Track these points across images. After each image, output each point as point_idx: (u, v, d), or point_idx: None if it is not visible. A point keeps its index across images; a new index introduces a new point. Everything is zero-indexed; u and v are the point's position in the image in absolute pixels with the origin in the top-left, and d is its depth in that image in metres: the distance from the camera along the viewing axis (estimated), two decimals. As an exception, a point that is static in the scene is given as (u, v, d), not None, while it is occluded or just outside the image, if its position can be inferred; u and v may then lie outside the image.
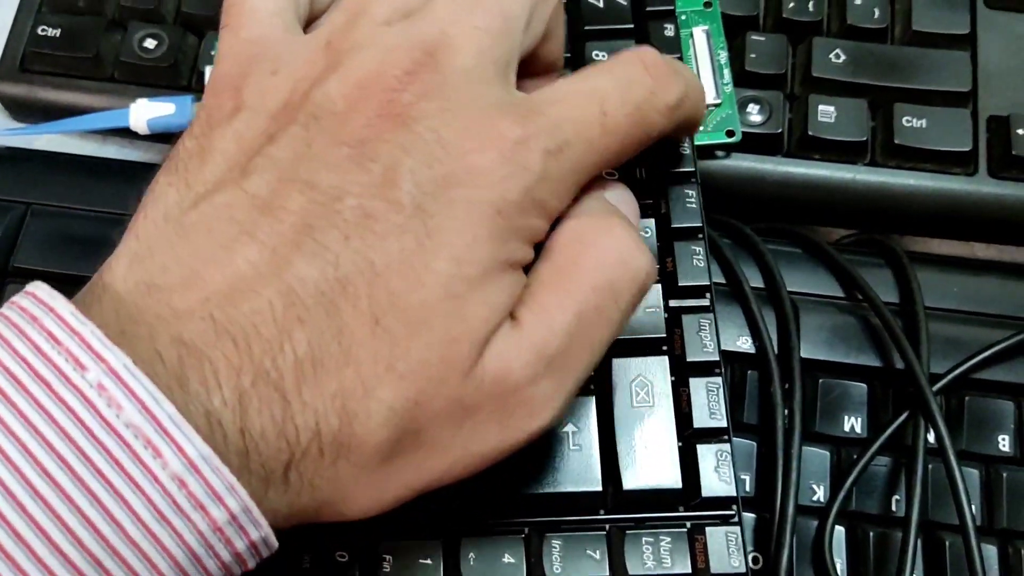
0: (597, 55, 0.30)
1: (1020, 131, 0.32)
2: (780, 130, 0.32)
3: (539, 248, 0.21)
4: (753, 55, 0.33)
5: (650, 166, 0.28)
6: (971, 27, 0.34)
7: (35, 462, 0.16)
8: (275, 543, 0.18)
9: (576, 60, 0.30)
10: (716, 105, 0.32)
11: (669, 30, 0.31)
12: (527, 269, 0.21)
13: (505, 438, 0.20)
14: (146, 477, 0.16)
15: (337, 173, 0.19)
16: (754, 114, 0.32)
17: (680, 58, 0.31)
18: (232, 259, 0.18)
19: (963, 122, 0.32)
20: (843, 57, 0.33)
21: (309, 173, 0.19)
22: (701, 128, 0.32)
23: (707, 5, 0.33)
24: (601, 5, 0.31)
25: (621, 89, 0.21)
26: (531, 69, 0.24)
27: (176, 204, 0.19)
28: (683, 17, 0.33)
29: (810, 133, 0.32)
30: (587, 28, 0.30)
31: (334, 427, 0.18)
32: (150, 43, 0.33)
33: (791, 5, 0.34)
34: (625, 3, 0.31)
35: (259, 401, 0.18)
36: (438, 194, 0.19)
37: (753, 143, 0.32)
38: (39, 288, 0.18)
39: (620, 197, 0.23)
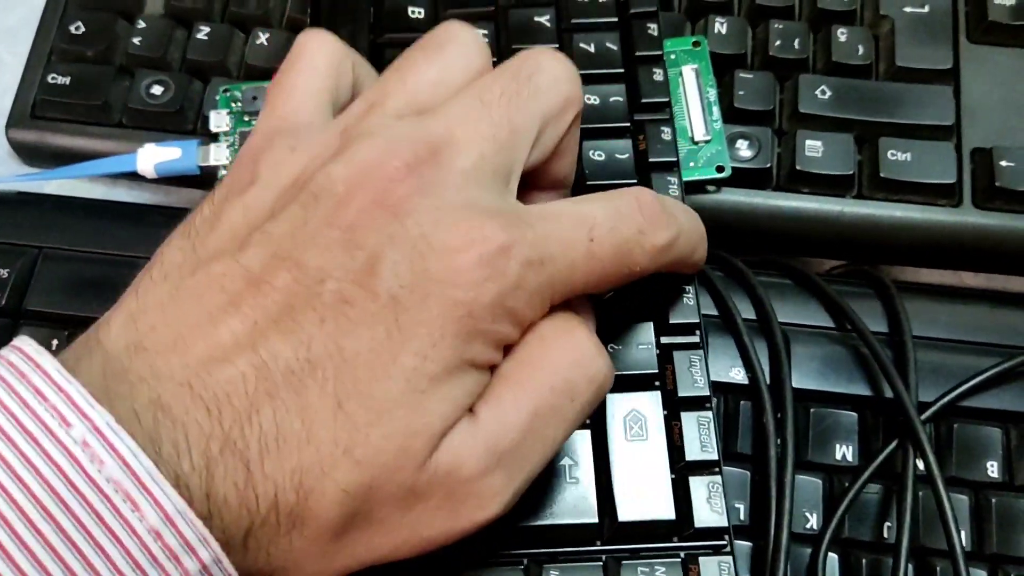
0: (588, 97, 0.31)
1: (1003, 163, 0.32)
2: (769, 165, 0.33)
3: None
4: (741, 92, 0.34)
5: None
6: (954, 61, 0.34)
7: (21, 513, 0.17)
8: None
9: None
10: (706, 141, 0.33)
11: (658, 75, 0.32)
12: (494, 369, 0.21)
13: (453, 526, 0.21)
14: (125, 529, 0.17)
15: (324, 255, 0.20)
16: (743, 149, 0.33)
17: (669, 101, 0.32)
18: (215, 327, 0.19)
19: (947, 155, 0.33)
20: (828, 93, 0.34)
21: (299, 252, 0.20)
22: (692, 164, 0.33)
23: (695, 44, 0.34)
24: (592, 50, 0.32)
25: (611, 220, 0.22)
26: (538, 183, 0.25)
27: (178, 267, 0.21)
28: (672, 56, 0.34)
29: (798, 168, 0.33)
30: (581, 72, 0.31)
31: (291, 501, 0.19)
32: (157, 89, 0.34)
33: (777, 43, 0.35)
34: (615, 48, 0.32)
35: (224, 469, 0.19)
36: (415, 288, 0.20)
37: (743, 178, 0.33)
38: (26, 344, 0.19)
39: (583, 308, 0.24)
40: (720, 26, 0.35)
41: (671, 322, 0.27)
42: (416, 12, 0.33)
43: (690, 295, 0.27)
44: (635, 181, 0.29)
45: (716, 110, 0.33)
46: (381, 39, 0.33)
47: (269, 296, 0.19)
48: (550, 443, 0.21)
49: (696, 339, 0.26)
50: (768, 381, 0.29)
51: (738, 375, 0.30)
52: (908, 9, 0.35)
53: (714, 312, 0.31)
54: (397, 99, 0.22)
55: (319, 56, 0.24)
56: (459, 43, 0.24)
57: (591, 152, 0.29)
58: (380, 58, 0.33)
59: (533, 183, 0.25)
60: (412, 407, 0.19)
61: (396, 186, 0.20)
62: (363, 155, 0.21)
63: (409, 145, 0.21)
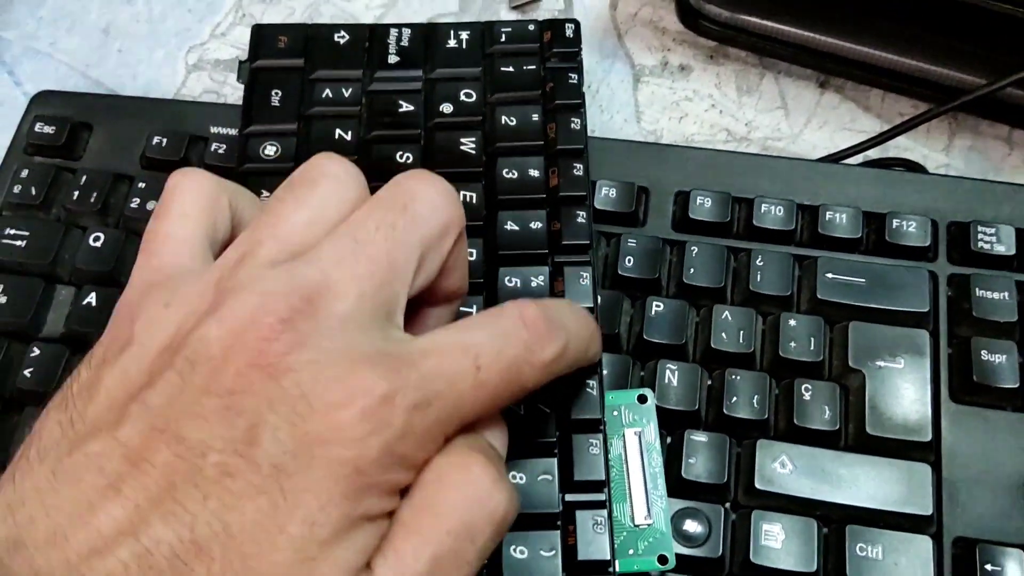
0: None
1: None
2: (720, 552, 0.29)
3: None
4: (692, 460, 0.30)
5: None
6: (934, 431, 0.31)
7: None
8: None
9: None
10: (648, 525, 0.29)
11: (595, 447, 0.28)
12: (392, 513, 0.20)
13: None
14: None
15: (204, 426, 0.19)
16: (691, 531, 0.29)
17: (607, 479, 0.28)
18: (95, 515, 0.18)
19: (924, 549, 0.28)
20: (789, 465, 0.30)
21: (178, 424, 0.19)
22: (631, 551, 0.28)
23: (641, 400, 0.31)
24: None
25: (497, 344, 0.21)
26: (429, 300, 0.24)
27: (55, 444, 0.20)
28: (615, 413, 0.30)
29: (753, 559, 0.28)
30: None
31: None
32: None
33: (734, 400, 0.31)
34: (549, 417, 0.28)
35: None
36: (298, 452, 0.19)
37: (690, 566, 0.29)
38: None
39: (489, 430, 0.23)
40: (671, 374, 0.32)
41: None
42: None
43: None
44: None
45: (661, 483, 0.29)
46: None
47: (149, 475, 0.19)
48: None
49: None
50: None
51: None
52: (881, 364, 0.32)
53: None
54: (269, 246, 0.22)
55: (189, 199, 0.24)
56: (331, 178, 0.23)
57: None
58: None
59: (424, 300, 0.24)
60: None
61: (272, 344, 0.19)
62: (236, 313, 0.20)
63: (283, 297, 0.20)
